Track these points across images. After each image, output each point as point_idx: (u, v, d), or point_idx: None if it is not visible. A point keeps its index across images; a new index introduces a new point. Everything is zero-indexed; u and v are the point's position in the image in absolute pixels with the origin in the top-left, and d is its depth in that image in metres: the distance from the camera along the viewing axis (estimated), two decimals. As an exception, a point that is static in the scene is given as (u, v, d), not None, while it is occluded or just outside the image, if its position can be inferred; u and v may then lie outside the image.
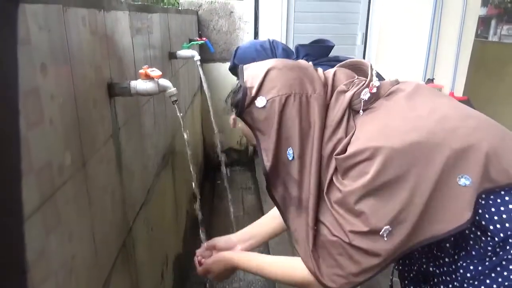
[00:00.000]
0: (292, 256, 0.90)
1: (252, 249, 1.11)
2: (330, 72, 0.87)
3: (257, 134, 0.83)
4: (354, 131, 0.78)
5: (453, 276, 0.76)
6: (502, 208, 0.70)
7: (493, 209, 0.70)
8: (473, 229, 0.73)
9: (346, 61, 0.93)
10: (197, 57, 1.78)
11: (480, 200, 0.70)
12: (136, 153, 1.08)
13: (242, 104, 0.81)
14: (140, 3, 1.34)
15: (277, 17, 3.21)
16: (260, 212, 2.67)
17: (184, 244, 1.97)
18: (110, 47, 0.86)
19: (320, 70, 0.88)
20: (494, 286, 0.70)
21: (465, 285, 0.74)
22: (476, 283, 0.72)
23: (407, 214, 0.70)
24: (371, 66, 0.84)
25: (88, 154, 0.70)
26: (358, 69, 0.89)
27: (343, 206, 0.75)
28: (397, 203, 0.70)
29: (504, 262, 0.69)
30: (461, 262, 0.75)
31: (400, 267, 0.95)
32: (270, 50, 1.57)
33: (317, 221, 0.80)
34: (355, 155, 0.73)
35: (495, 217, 0.70)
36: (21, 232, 0.46)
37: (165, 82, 0.90)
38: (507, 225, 0.69)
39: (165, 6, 2.15)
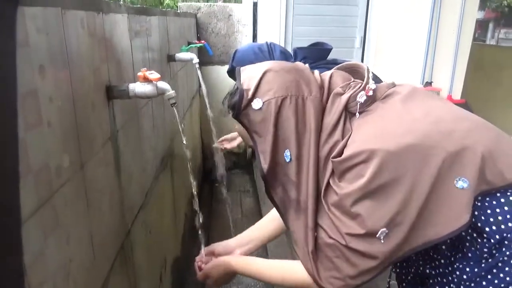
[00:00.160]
0: (291, 259, 0.90)
1: (250, 253, 1.11)
2: (326, 74, 0.87)
3: (254, 136, 0.83)
4: (351, 134, 0.78)
5: (450, 278, 0.77)
6: (497, 210, 0.70)
7: (489, 211, 0.71)
8: (469, 231, 0.73)
9: (342, 63, 0.93)
10: (196, 60, 1.78)
11: (476, 202, 0.71)
12: (134, 156, 1.08)
13: (238, 106, 0.81)
14: (139, 5, 1.34)
15: (275, 20, 3.22)
16: (258, 214, 2.67)
17: (182, 247, 1.96)
18: (109, 50, 0.86)
19: (316, 72, 0.88)
20: (490, 287, 0.70)
21: (462, 286, 0.74)
22: (472, 284, 0.72)
23: (403, 216, 0.70)
24: (367, 69, 0.84)
25: (86, 157, 0.70)
26: (355, 71, 0.90)
27: (339, 208, 0.75)
28: (393, 205, 0.70)
29: (500, 264, 0.69)
30: (457, 264, 0.75)
31: (398, 270, 0.95)
32: (268, 53, 1.57)
33: (315, 224, 0.80)
34: (351, 158, 0.73)
35: (491, 219, 0.70)
36: (18, 235, 0.46)
37: (163, 84, 0.90)
38: (502, 226, 0.69)
39: (163, 9, 2.15)
